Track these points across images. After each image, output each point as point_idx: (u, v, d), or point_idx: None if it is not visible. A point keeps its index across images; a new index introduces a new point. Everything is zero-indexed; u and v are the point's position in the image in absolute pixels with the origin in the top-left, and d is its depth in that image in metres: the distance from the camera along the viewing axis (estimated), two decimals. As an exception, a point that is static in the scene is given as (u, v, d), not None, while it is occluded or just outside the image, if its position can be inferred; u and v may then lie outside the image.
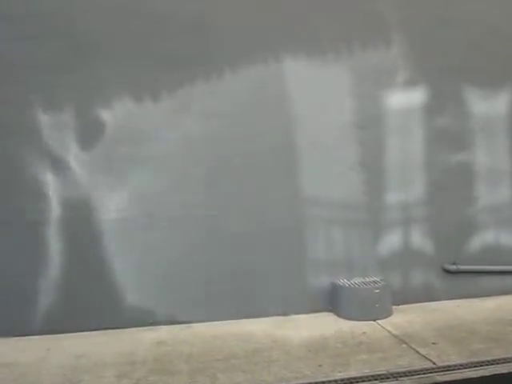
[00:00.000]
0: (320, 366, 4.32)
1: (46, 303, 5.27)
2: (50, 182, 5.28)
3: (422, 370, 4.19)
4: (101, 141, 5.38)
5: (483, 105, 6.25)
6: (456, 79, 6.16)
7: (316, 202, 5.80)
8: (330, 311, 5.74)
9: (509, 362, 4.31)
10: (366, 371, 4.19)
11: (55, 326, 5.20)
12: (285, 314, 5.67)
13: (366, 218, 5.95)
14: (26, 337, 5.11)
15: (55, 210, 5.29)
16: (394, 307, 5.75)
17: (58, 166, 5.31)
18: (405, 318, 5.53)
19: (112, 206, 5.39)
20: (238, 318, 5.51)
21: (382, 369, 4.22)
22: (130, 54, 5.42)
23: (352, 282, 5.73)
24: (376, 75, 5.94)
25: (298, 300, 5.73)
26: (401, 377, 4.09)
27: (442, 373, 4.16)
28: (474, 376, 4.12)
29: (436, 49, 6.08)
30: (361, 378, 4.09)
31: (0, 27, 5.18)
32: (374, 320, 5.47)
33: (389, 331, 5.15)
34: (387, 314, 5.62)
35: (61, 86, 5.26)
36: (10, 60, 5.21)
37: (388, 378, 4.08)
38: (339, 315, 5.62)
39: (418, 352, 4.57)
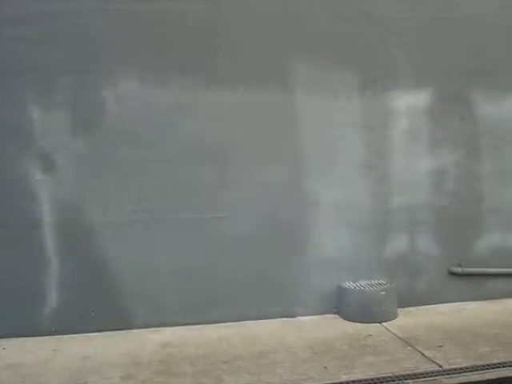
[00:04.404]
0: (325, 368, 4.32)
1: (52, 304, 5.29)
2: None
3: (427, 373, 4.18)
4: (104, 142, 5.40)
5: (490, 107, 6.22)
6: (463, 82, 6.14)
7: (323, 205, 5.80)
8: (336, 313, 5.73)
9: (516, 365, 4.30)
10: (372, 374, 4.18)
11: (61, 326, 5.22)
12: (291, 316, 5.67)
13: (372, 221, 5.94)
14: (33, 337, 5.12)
15: (61, 211, 5.32)
16: (399, 309, 5.74)
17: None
18: (411, 321, 5.52)
19: (115, 208, 5.40)
20: (243, 320, 5.52)
21: (387, 371, 4.21)
22: (138, 55, 5.44)
23: (358, 284, 5.73)
24: (382, 78, 5.94)
25: (304, 302, 5.72)
26: (406, 379, 4.08)
27: (448, 376, 4.14)
28: (481, 379, 4.11)
29: (443, 51, 6.06)
30: (366, 380, 4.08)
31: (10, 29, 5.21)
32: (380, 322, 5.46)
33: (394, 334, 5.14)
34: (393, 316, 5.61)
35: (67, 87, 5.29)
36: (19, 62, 5.23)
37: (393, 380, 4.08)
38: (345, 317, 5.61)
39: (423, 355, 4.56)
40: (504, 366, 4.28)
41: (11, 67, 5.22)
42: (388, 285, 5.72)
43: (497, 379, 4.12)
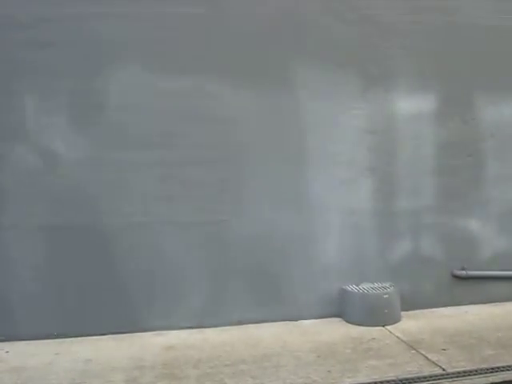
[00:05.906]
0: (329, 371, 4.31)
1: (55, 307, 5.28)
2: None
3: (431, 377, 4.17)
4: (111, 145, 5.40)
5: (494, 110, 6.22)
6: (466, 85, 6.14)
7: (326, 208, 5.78)
8: (339, 316, 5.71)
9: (520, 368, 4.28)
10: (375, 377, 4.17)
11: (64, 330, 5.21)
12: (294, 320, 5.65)
13: (375, 223, 5.92)
14: (35, 341, 5.11)
15: (64, 214, 5.32)
16: (403, 313, 5.72)
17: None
18: (414, 324, 5.50)
19: (122, 211, 5.40)
20: (247, 324, 5.51)
21: (391, 375, 4.20)
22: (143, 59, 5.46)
23: (361, 287, 5.71)
24: (384, 81, 5.94)
25: (307, 305, 5.71)
26: (410, 383, 4.07)
27: (451, 379, 4.13)
28: (485, 382, 4.09)
29: (445, 54, 6.06)
30: None
31: (13, 34, 5.22)
32: (383, 326, 5.45)
33: (398, 337, 5.12)
34: (396, 319, 5.60)
35: (74, 92, 5.31)
36: (23, 67, 5.24)
37: (397, 384, 4.08)
38: (348, 321, 5.60)
39: (427, 358, 4.55)
40: (508, 370, 4.27)
41: (14, 71, 5.23)
42: (391, 288, 5.70)
43: (501, 382, 4.10)
